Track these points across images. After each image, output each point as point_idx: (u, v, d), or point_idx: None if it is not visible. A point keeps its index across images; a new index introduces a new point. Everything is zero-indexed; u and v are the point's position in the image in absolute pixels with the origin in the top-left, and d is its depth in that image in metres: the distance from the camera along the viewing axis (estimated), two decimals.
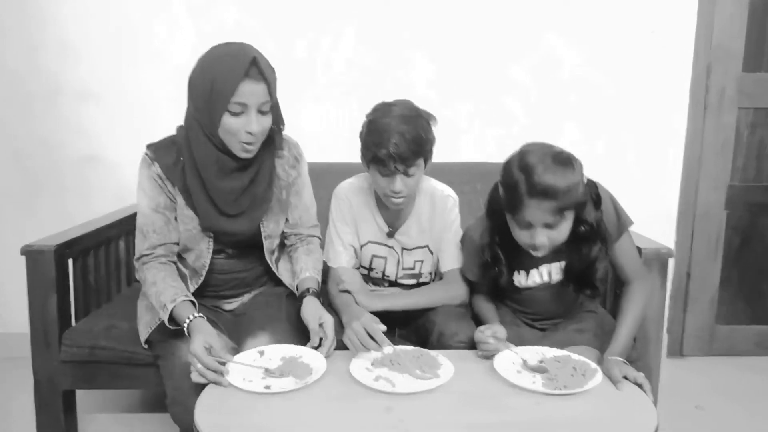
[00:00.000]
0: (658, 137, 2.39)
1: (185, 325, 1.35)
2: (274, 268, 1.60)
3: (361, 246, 1.65)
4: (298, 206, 1.60)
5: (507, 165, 1.36)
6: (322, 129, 2.35)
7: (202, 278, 1.54)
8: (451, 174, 1.80)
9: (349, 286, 1.54)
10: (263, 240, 1.55)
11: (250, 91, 1.34)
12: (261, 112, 1.38)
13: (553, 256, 1.49)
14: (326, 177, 1.90)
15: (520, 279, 1.53)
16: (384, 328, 1.36)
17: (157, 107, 2.21)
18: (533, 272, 1.52)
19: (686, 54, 2.34)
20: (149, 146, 1.47)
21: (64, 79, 2.30)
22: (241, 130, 1.36)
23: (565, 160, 1.30)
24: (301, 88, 2.32)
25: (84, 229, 1.84)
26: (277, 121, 1.48)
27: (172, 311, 1.36)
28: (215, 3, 2.25)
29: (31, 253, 1.64)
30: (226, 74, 1.32)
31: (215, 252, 1.54)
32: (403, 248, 1.63)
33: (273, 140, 1.49)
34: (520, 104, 2.33)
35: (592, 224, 1.38)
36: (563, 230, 1.35)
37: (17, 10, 2.26)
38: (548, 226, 1.33)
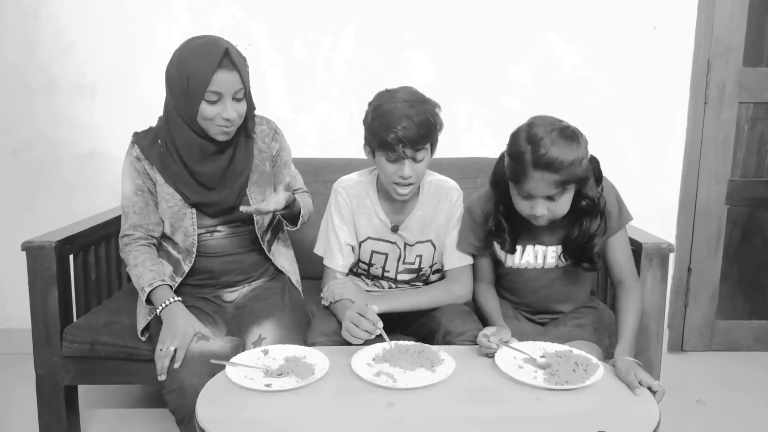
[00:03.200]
0: (658, 133, 2.39)
1: (159, 309, 1.48)
2: (264, 247, 1.65)
3: (360, 242, 1.64)
4: (286, 173, 1.70)
5: (514, 135, 1.39)
6: (322, 129, 2.34)
7: (194, 256, 1.57)
8: (451, 169, 1.80)
9: (344, 296, 1.52)
10: (253, 215, 1.59)
11: (223, 81, 1.43)
12: (236, 99, 1.47)
13: (550, 238, 1.51)
14: (326, 173, 1.91)
15: (514, 258, 1.54)
16: (376, 308, 1.36)
17: (156, 103, 2.19)
18: (528, 250, 1.53)
19: (686, 49, 2.34)
20: (134, 133, 1.60)
21: (63, 74, 2.30)
22: (218, 116, 1.46)
23: (571, 135, 1.34)
24: (301, 88, 2.32)
25: (84, 225, 1.84)
26: (250, 106, 1.56)
27: (149, 294, 1.50)
28: (215, 2, 2.25)
29: (31, 249, 1.65)
30: (201, 66, 1.43)
31: (206, 232, 1.59)
32: (405, 243, 1.62)
33: (246, 123, 1.58)
34: (520, 104, 2.32)
35: (593, 199, 1.42)
36: (563, 203, 1.39)
37: (15, 4, 2.25)
38: (549, 198, 1.36)
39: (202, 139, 1.51)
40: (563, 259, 1.52)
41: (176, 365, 1.38)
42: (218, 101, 1.45)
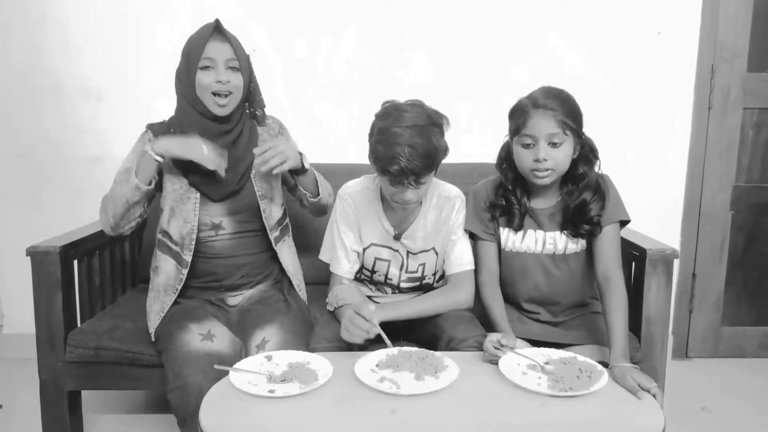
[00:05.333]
0: (662, 138, 2.39)
1: (151, 150, 1.53)
2: (272, 240, 1.66)
3: (364, 249, 1.64)
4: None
5: (515, 103, 1.52)
6: (322, 129, 2.35)
7: (192, 246, 1.59)
8: (455, 176, 1.79)
9: (348, 301, 1.53)
10: (259, 201, 1.63)
11: (216, 49, 1.54)
12: (230, 68, 1.56)
13: (549, 224, 1.55)
14: (329, 179, 1.89)
15: (515, 240, 1.57)
16: (373, 307, 1.37)
17: (161, 106, 2.21)
18: (529, 234, 1.56)
19: (690, 54, 2.34)
20: (148, 124, 1.67)
21: (68, 77, 2.31)
22: (212, 82, 1.54)
23: (565, 92, 1.48)
24: (301, 88, 2.32)
25: (89, 230, 1.84)
26: (260, 103, 1.68)
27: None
28: (215, 2, 2.26)
29: (36, 254, 1.65)
30: (196, 40, 1.56)
31: (211, 229, 1.60)
32: (408, 252, 1.62)
33: (255, 115, 1.68)
34: None
35: (587, 171, 1.52)
36: (563, 153, 1.46)
37: (21, 9, 2.27)
38: (551, 142, 1.44)
39: (204, 118, 1.57)
40: (564, 230, 1.54)
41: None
42: (212, 68, 1.54)
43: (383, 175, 1.45)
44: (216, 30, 1.55)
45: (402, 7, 2.29)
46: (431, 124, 1.43)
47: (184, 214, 1.59)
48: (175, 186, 1.59)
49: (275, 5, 2.28)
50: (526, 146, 1.47)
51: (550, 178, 1.48)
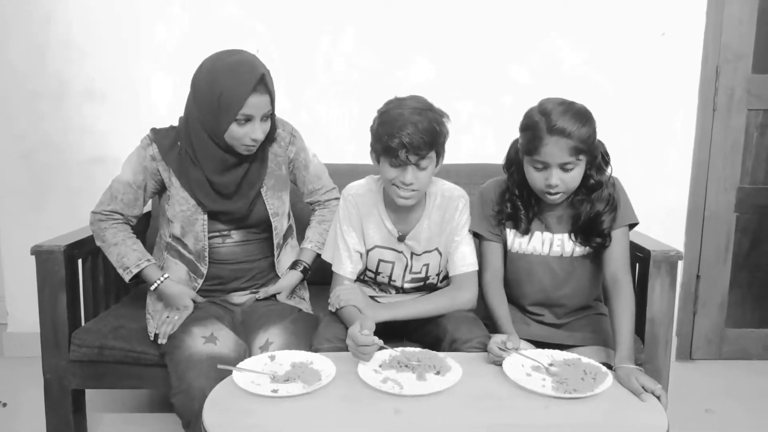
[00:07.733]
0: (666, 139, 2.38)
1: (154, 286, 1.59)
2: (275, 255, 1.67)
3: (368, 250, 1.63)
4: (307, 178, 1.74)
5: (527, 112, 1.46)
6: (322, 129, 2.34)
7: (206, 259, 1.60)
8: (459, 176, 1.79)
9: (350, 302, 1.53)
10: (271, 219, 1.63)
11: (256, 104, 1.46)
12: (263, 119, 1.50)
13: (557, 227, 1.53)
14: (332, 179, 1.90)
15: (522, 241, 1.56)
16: (368, 331, 1.31)
17: (163, 107, 2.22)
18: (536, 236, 1.55)
19: (695, 56, 2.33)
20: (152, 129, 1.61)
21: (70, 79, 2.32)
22: (246, 136, 1.48)
23: (581, 108, 1.42)
24: (301, 88, 2.32)
25: None
26: (274, 129, 1.61)
27: (139, 273, 1.59)
28: (216, 3, 2.26)
29: (41, 253, 1.66)
30: (235, 88, 1.43)
31: (219, 236, 1.61)
32: (412, 253, 1.62)
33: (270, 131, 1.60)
34: (520, 104, 2.31)
35: (600, 181, 1.48)
36: (575, 175, 1.42)
37: (22, 10, 2.27)
38: (563, 167, 1.40)
39: (223, 152, 1.52)
40: (573, 238, 1.53)
41: (172, 331, 1.51)
42: (248, 122, 1.47)
43: (385, 155, 1.45)
44: (260, 81, 1.44)
45: (402, 7, 2.29)
46: (430, 109, 1.47)
47: (194, 233, 1.59)
48: (182, 208, 1.58)
49: (275, 5, 2.28)
50: (538, 169, 1.44)
51: (561, 198, 1.47)
